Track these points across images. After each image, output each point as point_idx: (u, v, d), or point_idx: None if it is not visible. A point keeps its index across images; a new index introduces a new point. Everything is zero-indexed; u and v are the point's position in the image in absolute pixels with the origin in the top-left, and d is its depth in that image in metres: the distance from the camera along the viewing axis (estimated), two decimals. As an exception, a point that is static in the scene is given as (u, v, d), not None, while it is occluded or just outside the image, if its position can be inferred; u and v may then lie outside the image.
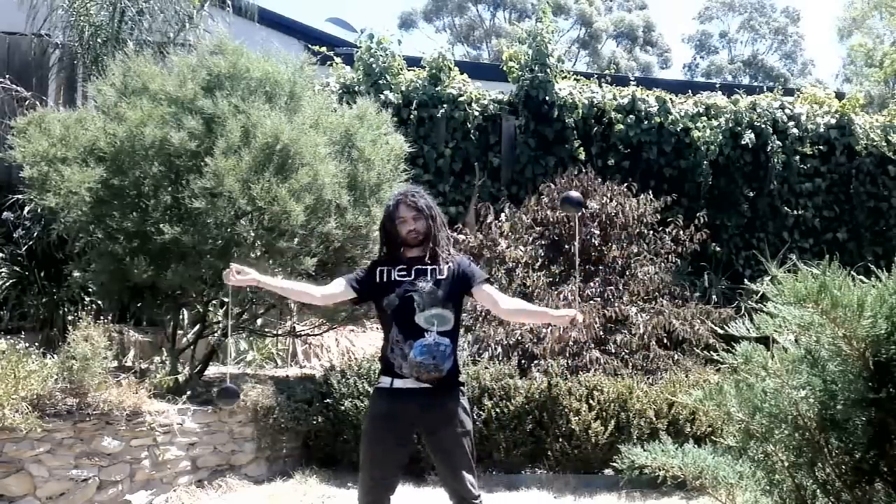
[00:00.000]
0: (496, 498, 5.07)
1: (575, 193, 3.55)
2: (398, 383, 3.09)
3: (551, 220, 7.16)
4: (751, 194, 9.27)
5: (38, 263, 6.22)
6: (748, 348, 2.48)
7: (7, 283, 6.11)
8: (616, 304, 6.60)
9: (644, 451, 2.61)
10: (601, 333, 6.39)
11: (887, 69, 17.69)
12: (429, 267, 3.18)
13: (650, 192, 7.58)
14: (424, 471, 5.36)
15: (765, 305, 2.40)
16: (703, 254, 8.36)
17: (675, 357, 6.38)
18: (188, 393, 4.90)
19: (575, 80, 9.44)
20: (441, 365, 3.05)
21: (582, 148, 8.89)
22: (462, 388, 3.21)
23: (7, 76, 6.80)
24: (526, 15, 30.47)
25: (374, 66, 8.70)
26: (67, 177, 4.85)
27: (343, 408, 5.35)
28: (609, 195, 7.28)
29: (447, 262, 3.21)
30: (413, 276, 3.16)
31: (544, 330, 6.20)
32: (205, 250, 4.81)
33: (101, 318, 5.00)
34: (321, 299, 3.33)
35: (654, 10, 35.67)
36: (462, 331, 3.43)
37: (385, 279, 3.19)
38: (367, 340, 7.02)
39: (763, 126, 9.27)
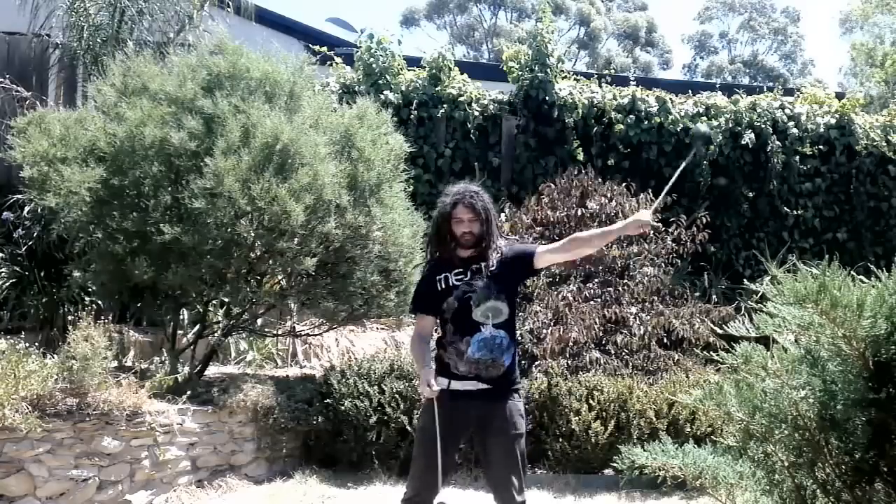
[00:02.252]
0: (496, 498, 5.07)
1: None
2: (456, 385, 3.09)
3: (551, 220, 7.16)
4: (751, 194, 9.27)
5: (38, 263, 6.21)
6: (748, 348, 2.48)
7: (7, 283, 6.10)
8: (616, 305, 6.60)
9: (644, 451, 2.61)
10: (601, 334, 6.39)
11: (888, 69, 17.68)
12: (481, 264, 3.19)
13: (650, 192, 7.58)
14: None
15: (765, 305, 2.40)
16: (703, 254, 8.36)
17: (675, 357, 6.38)
18: (188, 393, 4.90)
19: (575, 80, 9.44)
20: (499, 358, 3.07)
21: (582, 148, 8.89)
22: (519, 389, 3.20)
23: (7, 76, 6.80)
24: (526, 15, 30.49)
25: (374, 65, 8.70)
26: (67, 177, 4.85)
27: (343, 408, 5.35)
28: (609, 195, 7.28)
29: (494, 252, 3.22)
30: (469, 277, 3.18)
31: (545, 331, 6.20)
32: (205, 250, 4.81)
33: (101, 318, 5.01)
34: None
35: (654, 11, 35.71)
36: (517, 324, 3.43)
37: (445, 286, 3.20)
38: (367, 340, 7.01)
39: (763, 126, 9.26)
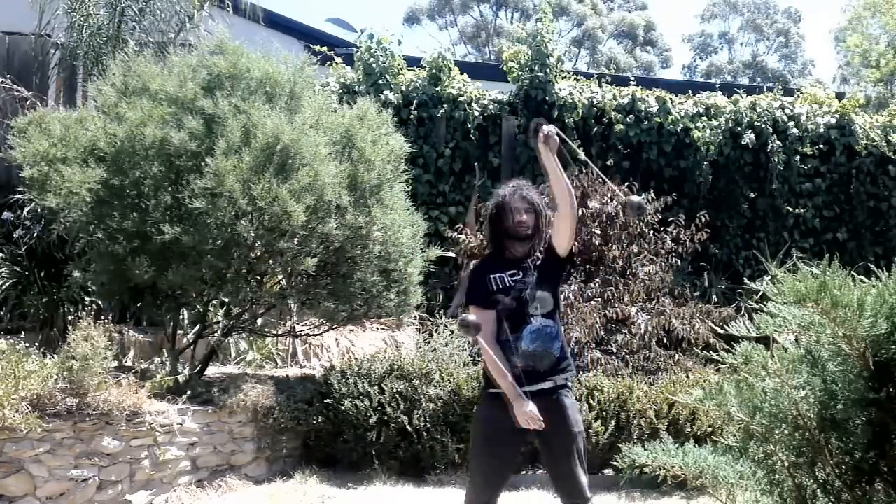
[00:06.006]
0: (496, 498, 5.07)
1: (636, 198, 3.35)
2: None
3: (552, 220, 7.15)
4: (751, 194, 9.27)
5: (38, 263, 6.21)
6: (748, 348, 2.48)
7: (7, 283, 6.10)
8: (616, 305, 6.60)
9: (644, 450, 2.61)
10: (602, 334, 6.39)
11: (883, 69, 17.71)
12: (529, 260, 3.21)
13: (650, 192, 7.58)
14: (424, 471, 5.37)
15: (765, 305, 2.40)
16: (704, 254, 8.36)
17: (676, 357, 6.38)
18: (188, 393, 4.90)
19: (575, 80, 9.44)
20: (550, 347, 3.08)
21: (581, 148, 8.88)
22: (570, 383, 3.19)
23: (7, 76, 6.80)
24: (527, 15, 30.52)
25: (374, 66, 8.70)
26: (68, 177, 4.85)
27: (343, 408, 5.35)
28: (609, 195, 7.28)
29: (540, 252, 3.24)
30: (523, 275, 3.18)
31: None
32: (205, 250, 4.81)
33: (102, 318, 5.00)
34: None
35: (654, 11, 35.74)
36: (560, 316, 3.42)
37: (500, 286, 3.18)
38: (367, 340, 7.02)
39: (763, 126, 9.26)
